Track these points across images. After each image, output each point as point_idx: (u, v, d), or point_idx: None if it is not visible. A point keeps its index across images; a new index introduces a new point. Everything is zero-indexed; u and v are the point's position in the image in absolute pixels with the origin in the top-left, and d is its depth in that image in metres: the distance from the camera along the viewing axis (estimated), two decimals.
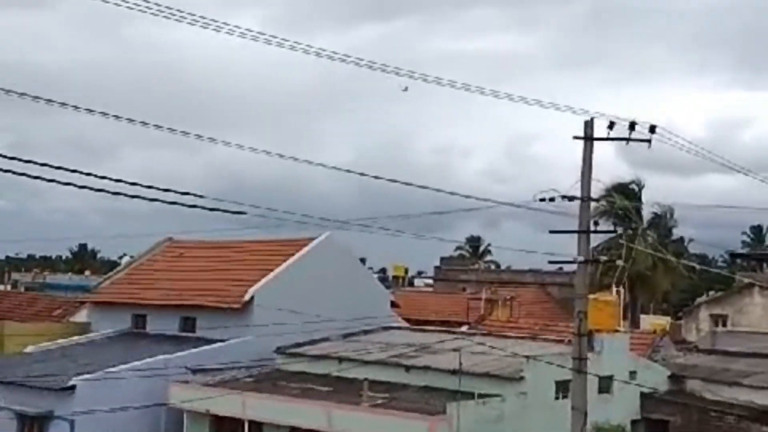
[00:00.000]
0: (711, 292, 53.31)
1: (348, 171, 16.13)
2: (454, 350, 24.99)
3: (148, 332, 33.98)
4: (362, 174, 15.83)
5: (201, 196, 12.74)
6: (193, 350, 29.61)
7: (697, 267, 46.86)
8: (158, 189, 12.05)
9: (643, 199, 49.82)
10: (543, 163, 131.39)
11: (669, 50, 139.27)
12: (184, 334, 32.50)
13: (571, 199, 17.65)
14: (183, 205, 12.50)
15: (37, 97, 11.74)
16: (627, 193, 49.12)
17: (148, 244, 39.65)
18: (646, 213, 50.85)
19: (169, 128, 13.21)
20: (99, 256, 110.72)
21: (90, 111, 12.40)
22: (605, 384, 26.57)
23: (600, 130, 17.76)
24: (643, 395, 28.97)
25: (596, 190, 19.31)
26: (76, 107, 12.25)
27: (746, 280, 48.33)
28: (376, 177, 15.81)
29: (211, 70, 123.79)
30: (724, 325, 46.84)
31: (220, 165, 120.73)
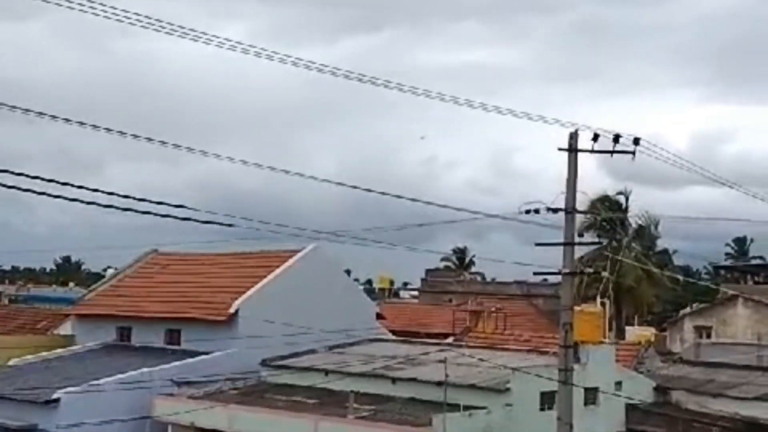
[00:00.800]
0: (695, 304, 53.55)
1: (339, 184, 16.16)
2: (440, 362, 24.98)
3: (132, 345, 33.80)
4: (354, 187, 15.87)
5: (194, 209, 12.75)
6: (178, 363, 29.47)
7: (682, 279, 47.15)
8: (150, 202, 12.06)
9: (629, 211, 50.18)
10: (528, 175, 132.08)
11: (653, 64, 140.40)
12: (169, 346, 32.36)
13: (556, 211, 17.74)
14: (176, 218, 12.52)
15: (27, 110, 11.73)
16: (612, 205, 49.46)
17: (133, 257, 39.52)
18: (632, 224, 51.16)
19: (160, 141, 13.24)
20: (83, 268, 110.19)
21: (81, 124, 12.40)
22: (591, 395, 26.61)
23: (584, 142, 17.90)
24: (628, 407, 29.02)
25: (581, 202, 19.43)
26: (67, 120, 12.25)
27: (730, 292, 48.62)
28: (367, 190, 15.88)
29: (196, 83, 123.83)
30: (709, 336, 47.06)
31: (204, 177, 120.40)
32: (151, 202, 12.00)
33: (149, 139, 13.23)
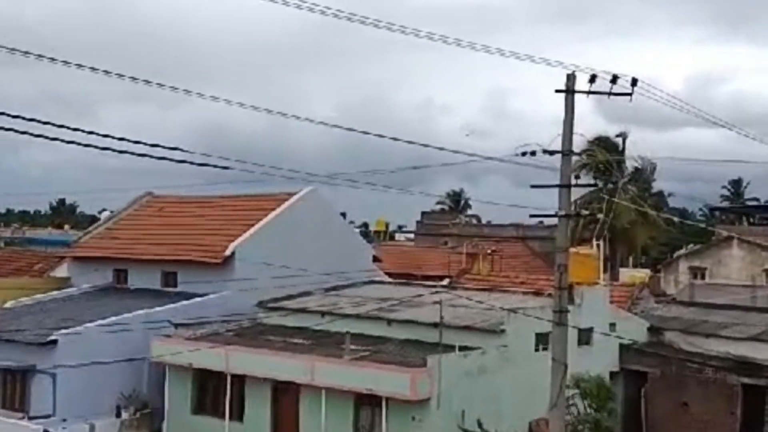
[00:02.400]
0: (690, 246, 53.83)
1: (335, 126, 16.02)
2: (436, 304, 25.11)
3: (129, 287, 33.92)
4: (350, 129, 15.74)
5: (190, 152, 12.63)
6: (175, 305, 29.60)
7: (677, 220, 47.24)
8: (146, 144, 11.93)
9: (626, 152, 50.03)
10: (522, 117, 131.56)
11: (647, 4, 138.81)
12: (165, 288, 32.47)
13: (553, 153, 17.62)
14: (171, 160, 12.39)
15: (13, 50, 11.53)
16: (608, 146, 49.29)
17: (128, 199, 39.42)
18: (629, 167, 51.05)
19: (158, 83, 13.09)
20: (78, 210, 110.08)
21: (80, 66, 12.19)
22: (585, 336, 26.84)
23: (580, 84, 17.68)
24: (622, 347, 29.30)
25: (578, 144, 19.30)
26: (66, 62, 12.06)
27: (725, 233, 48.84)
28: (364, 132, 15.75)
29: (191, 24, 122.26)
30: (703, 277, 47.44)
31: (199, 121, 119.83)
32: (146, 144, 11.89)
33: (147, 82, 13.07)
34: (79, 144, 11.49)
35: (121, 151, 11.94)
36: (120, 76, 12.54)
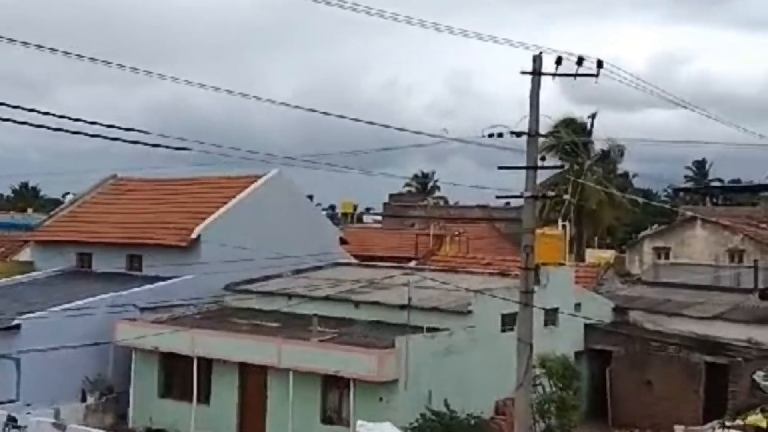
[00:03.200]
0: (654, 226, 54.36)
1: (297, 107, 15.84)
2: (403, 285, 25.17)
3: (93, 271, 33.58)
4: (312, 110, 15.59)
5: (145, 132, 12.44)
6: (140, 288, 29.37)
7: (641, 201, 47.65)
8: (102, 125, 11.73)
9: (594, 134, 50.35)
10: (485, 97, 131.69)
11: None
12: (130, 272, 32.20)
13: (520, 134, 17.63)
14: (125, 141, 12.21)
15: None
16: (575, 128, 49.57)
17: (92, 182, 38.95)
18: (596, 148, 51.40)
19: (118, 64, 12.84)
20: (41, 194, 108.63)
21: (39, 47, 11.94)
22: (551, 316, 27.08)
23: (546, 65, 17.67)
24: (587, 327, 29.61)
25: (544, 126, 19.33)
26: (25, 43, 11.81)
27: (689, 213, 49.38)
28: (324, 113, 15.62)
29: (151, 4, 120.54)
30: (667, 257, 47.95)
31: (159, 102, 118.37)
32: (102, 125, 11.68)
33: (107, 63, 12.82)
34: (31, 125, 11.28)
35: (74, 132, 11.72)
36: (79, 56, 12.31)
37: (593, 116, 50.41)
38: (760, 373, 27.64)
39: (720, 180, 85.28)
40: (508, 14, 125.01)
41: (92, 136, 11.67)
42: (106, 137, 11.85)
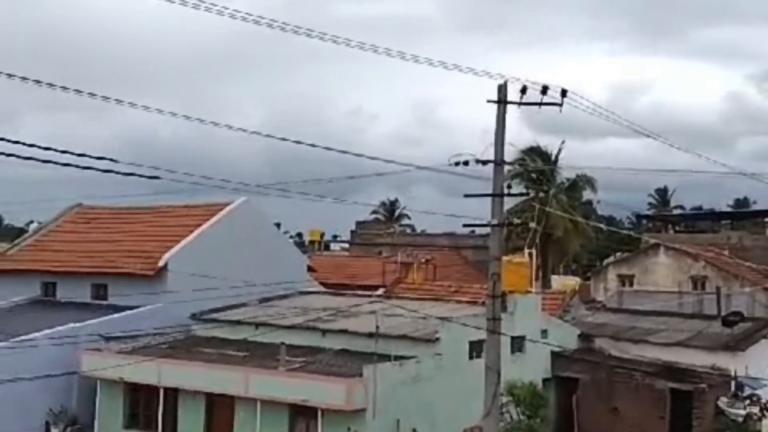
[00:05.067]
0: (618, 253, 54.93)
1: (268, 136, 15.93)
2: (371, 313, 25.20)
3: (58, 300, 33.20)
4: (284, 139, 15.68)
5: (115, 161, 12.41)
6: (106, 318, 29.07)
7: (606, 228, 48.17)
8: (72, 154, 11.70)
9: (558, 162, 50.84)
10: (449, 126, 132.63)
11: (567, 15, 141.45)
12: (95, 301, 31.88)
13: (485, 162, 17.87)
14: (97, 170, 12.17)
15: None
16: (540, 156, 50.05)
17: (56, 211, 38.59)
18: (564, 176, 51.87)
19: (89, 93, 12.79)
20: (5, 223, 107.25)
21: (9, 76, 11.88)
22: (518, 343, 27.20)
23: (510, 94, 17.94)
24: (553, 354, 29.76)
25: (509, 154, 19.60)
26: None
27: (652, 241, 49.99)
28: (297, 142, 15.71)
29: (115, 32, 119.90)
30: (631, 284, 48.42)
31: (125, 131, 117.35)
32: (72, 153, 11.66)
33: (78, 91, 12.80)
34: (2, 154, 11.22)
35: (44, 161, 11.67)
36: (37, 82, 12.26)
37: (561, 144, 50.96)
38: (724, 399, 27.98)
39: (682, 207, 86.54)
40: (465, 44, 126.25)
41: (63, 165, 11.64)
42: (77, 166, 11.81)
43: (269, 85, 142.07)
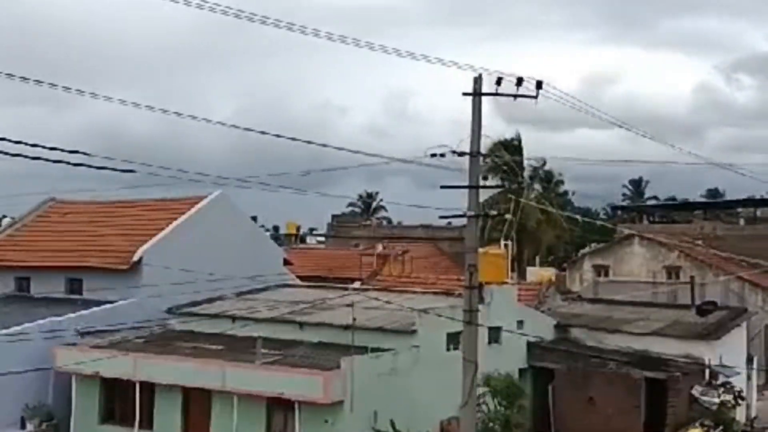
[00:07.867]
0: (593, 244, 55.24)
1: (247, 129, 15.77)
2: (348, 306, 25.18)
3: (32, 295, 32.92)
4: (263, 132, 15.60)
5: (89, 155, 12.29)
6: (81, 312, 28.83)
7: (580, 219, 48.40)
8: (43, 147, 11.57)
9: (524, 153, 51.23)
10: (420, 118, 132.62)
11: (540, 6, 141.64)
12: (70, 296, 31.63)
13: (462, 154, 17.88)
14: (69, 163, 12.03)
15: None
16: (512, 148, 50.32)
17: (29, 205, 38.18)
18: (528, 167, 52.28)
19: (50, 84, 12.67)
20: None
21: None
22: (494, 334, 27.31)
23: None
24: (530, 344, 29.95)
25: (484, 146, 19.61)
26: None
27: (626, 231, 50.35)
28: (277, 135, 15.63)
29: (81, 23, 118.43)
30: (606, 274, 48.74)
31: (91, 124, 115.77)
32: (44, 147, 11.53)
33: (38, 82, 12.67)
34: None
35: (14, 155, 11.52)
36: (23, 79, 12.14)
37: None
38: (698, 387, 28.30)
39: (656, 198, 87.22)
40: (438, 36, 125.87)
41: (33, 158, 11.49)
42: (48, 159, 11.67)
43: (241, 78, 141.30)
